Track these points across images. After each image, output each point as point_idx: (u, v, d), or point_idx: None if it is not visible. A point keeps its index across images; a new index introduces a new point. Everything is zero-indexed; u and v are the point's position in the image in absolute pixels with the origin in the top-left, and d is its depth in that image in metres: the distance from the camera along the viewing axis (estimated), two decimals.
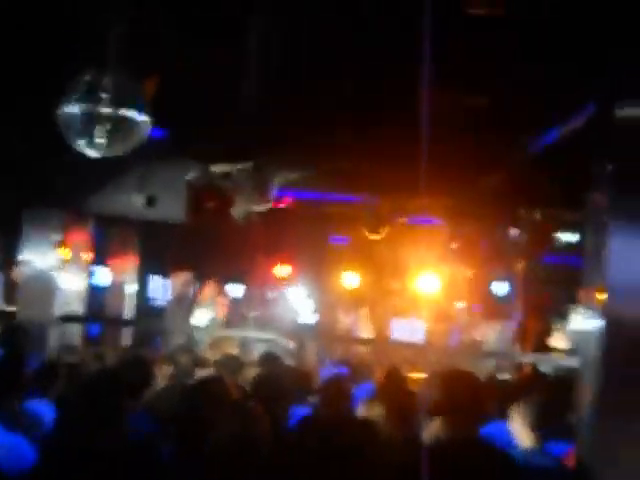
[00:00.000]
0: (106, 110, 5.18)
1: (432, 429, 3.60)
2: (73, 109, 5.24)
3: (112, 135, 5.26)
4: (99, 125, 5.20)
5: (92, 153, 5.41)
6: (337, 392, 5.76)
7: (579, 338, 6.80)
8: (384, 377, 7.29)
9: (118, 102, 5.26)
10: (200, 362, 7.88)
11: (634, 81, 3.95)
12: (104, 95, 5.21)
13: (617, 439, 3.45)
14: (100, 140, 5.22)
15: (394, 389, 6.28)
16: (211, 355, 8.85)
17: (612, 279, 3.56)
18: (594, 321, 4.17)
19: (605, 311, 3.66)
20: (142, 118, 5.41)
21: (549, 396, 5.21)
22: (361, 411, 4.84)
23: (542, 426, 4.68)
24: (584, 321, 4.93)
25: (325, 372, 7.93)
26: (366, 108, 7.57)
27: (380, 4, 5.64)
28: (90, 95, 5.20)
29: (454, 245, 12.15)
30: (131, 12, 5.68)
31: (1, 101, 6.86)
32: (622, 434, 3.46)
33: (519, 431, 4.77)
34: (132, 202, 8.75)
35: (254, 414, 3.71)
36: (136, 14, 5.75)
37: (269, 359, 7.75)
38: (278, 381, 5.53)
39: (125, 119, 5.28)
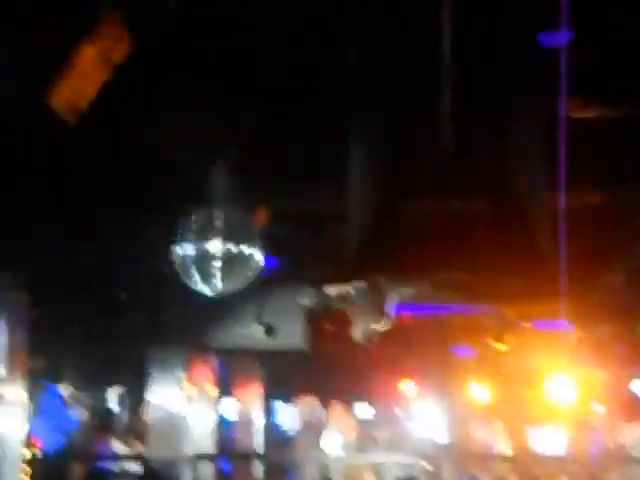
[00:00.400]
0: (218, 248, 5.21)
1: None
2: (186, 249, 5.31)
3: (227, 272, 5.27)
4: (213, 263, 5.23)
5: (208, 292, 5.43)
6: None
7: None
8: None
9: (230, 238, 5.30)
10: None
11: None
12: (217, 232, 5.25)
13: None
14: (216, 278, 5.24)
15: None
16: None
17: None
18: None
19: None
20: (254, 252, 5.42)
21: None
22: None
23: None
24: None
25: None
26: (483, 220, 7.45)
27: None
28: (202, 233, 5.26)
29: (586, 348, 11.60)
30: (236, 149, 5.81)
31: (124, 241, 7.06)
32: None
33: None
34: (251, 333, 8.76)
35: None
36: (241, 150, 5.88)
37: None
38: None
39: (239, 255, 5.30)
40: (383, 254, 8.20)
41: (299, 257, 8.40)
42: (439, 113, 5.76)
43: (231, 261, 5.30)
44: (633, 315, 10.37)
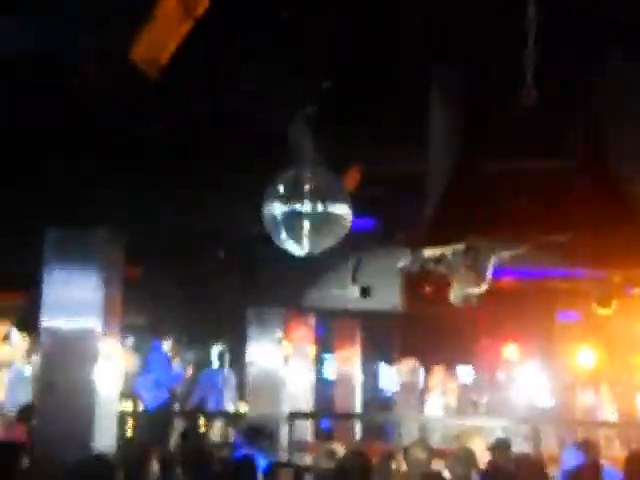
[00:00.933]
0: (308, 207, 5.21)
1: None
2: (277, 208, 5.33)
3: (316, 231, 5.26)
4: (303, 222, 5.24)
5: (298, 251, 5.45)
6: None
7: None
8: (628, 462, 6.70)
9: (320, 198, 5.28)
10: (435, 455, 7.70)
11: None
12: (306, 192, 5.25)
13: None
14: (305, 237, 5.24)
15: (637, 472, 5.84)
16: (447, 446, 8.69)
17: None
18: None
19: None
20: (345, 211, 5.39)
21: None
22: None
23: None
24: None
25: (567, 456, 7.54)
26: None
27: None
28: (293, 193, 5.27)
29: None
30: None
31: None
32: None
33: None
34: (348, 294, 8.78)
35: None
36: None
37: (500, 447, 7.50)
38: (507, 469, 5.41)
39: (328, 214, 5.29)
40: (480, 217, 8.04)
41: (396, 219, 8.33)
42: (523, 68, 5.56)
43: (319, 220, 5.29)
44: None
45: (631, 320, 11.44)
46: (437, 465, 7.12)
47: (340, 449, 8.22)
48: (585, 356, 12.56)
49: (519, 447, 8.53)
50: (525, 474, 5.78)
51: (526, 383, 12.95)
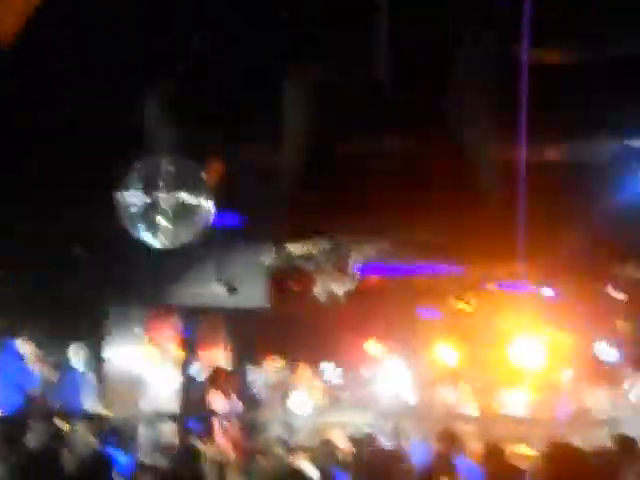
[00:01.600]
0: (164, 198, 5.09)
1: None
2: (132, 198, 5.18)
3: (174, 223, 5.15)
4: (160, 214, 5.11)
5: (156, 243, 5.32)
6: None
7: None
8: (484, 453, 6.93)
9: (177, 188, 5.17)
10: (296, 451, 7.76)
11: None
12: (163, 183, 5.12)
13: None
14: (162, 229, 5.11)
15: (494, 465, 6.07)
16: (309, 442, 8.79)
17: None
18: None
19: None
20: (204, 203, 5.30)
21: None
22: None
23: None
24: None
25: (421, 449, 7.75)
26: (445, 179, 7.35)
27: None
28: (147, 183, 5.14)
29: (550, 310, 11.61)
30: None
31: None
32: None
33: None
34: (213, 291, 8.68)
35: None
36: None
37: (361, 441, 7.72)
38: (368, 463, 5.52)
39: (185, 205, 5.18)
40: (345, 214, 8.09)
41: (260, 214, 8.26)
42: (374, 49, 5.58)
43: (177, 212, 5.18)
44: (598, 277, 10.37)
45: (489, 317, 11.80)
46: (299, 461, 7.16)
47: (205, 449, 8.14)
48: (445, 352, 12.87)
49: (381, 442, 8.66)
50: (385, 467, 5.87)
51: (389, 379, 13.16)
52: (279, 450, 7.70)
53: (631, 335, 11.48)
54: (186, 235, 5.34)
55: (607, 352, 12.14)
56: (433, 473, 5.96)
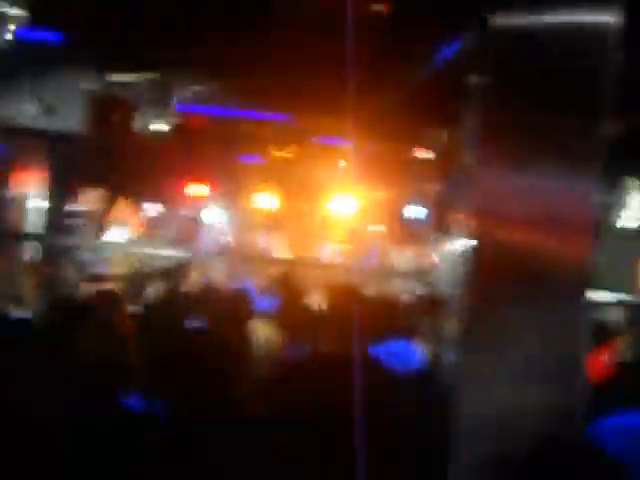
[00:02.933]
0: None
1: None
2: None
3: None
4: None
5: None
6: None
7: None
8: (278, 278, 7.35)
9: None
10: (97, 278, 7.87)
11: None
12: None
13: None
14: None
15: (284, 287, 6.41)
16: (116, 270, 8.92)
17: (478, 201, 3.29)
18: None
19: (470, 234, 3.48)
20: (12, 11, 5.12)
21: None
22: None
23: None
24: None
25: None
26: (272, 25, 7.35)
27: None
28: None
29: (362, 166, 12.03)
30: None
31: None
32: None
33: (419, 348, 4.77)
34: (27, 110, 8.41)
35: None
36: None
37: (165, 274, 7.89)
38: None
39: None
40: (173, 48, 7.95)
41: (85, 35, 7.94)
42: None
43: None
44: (407, 137, 10.80)
45: (309, 168, 12.12)
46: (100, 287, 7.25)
47: None
48: (264, 199, 13.21)
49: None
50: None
51: (209, 221, 13.40)
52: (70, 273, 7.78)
53: (439, 197, 12.10)
54: None
55: (416, 212, 12.82)
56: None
